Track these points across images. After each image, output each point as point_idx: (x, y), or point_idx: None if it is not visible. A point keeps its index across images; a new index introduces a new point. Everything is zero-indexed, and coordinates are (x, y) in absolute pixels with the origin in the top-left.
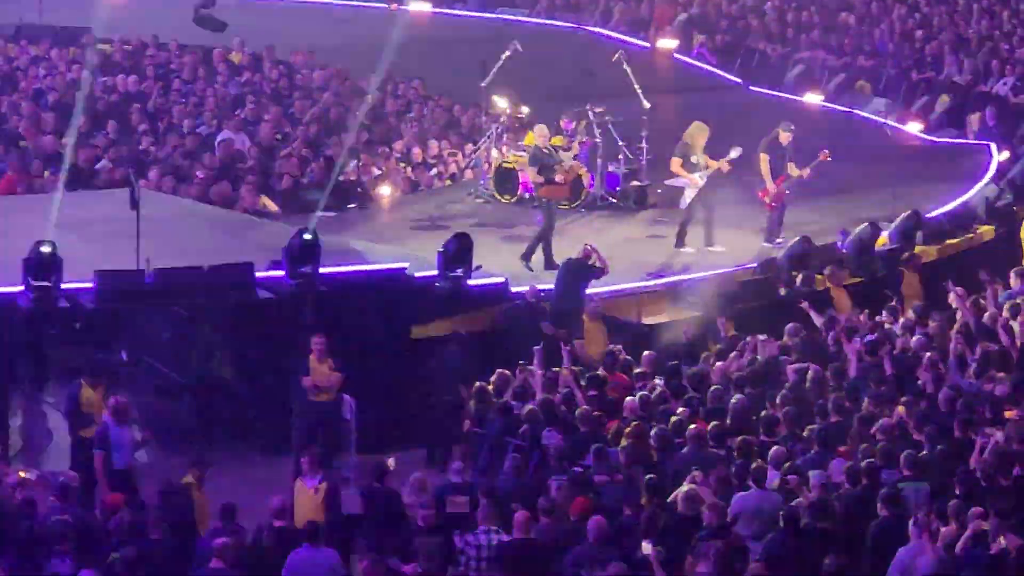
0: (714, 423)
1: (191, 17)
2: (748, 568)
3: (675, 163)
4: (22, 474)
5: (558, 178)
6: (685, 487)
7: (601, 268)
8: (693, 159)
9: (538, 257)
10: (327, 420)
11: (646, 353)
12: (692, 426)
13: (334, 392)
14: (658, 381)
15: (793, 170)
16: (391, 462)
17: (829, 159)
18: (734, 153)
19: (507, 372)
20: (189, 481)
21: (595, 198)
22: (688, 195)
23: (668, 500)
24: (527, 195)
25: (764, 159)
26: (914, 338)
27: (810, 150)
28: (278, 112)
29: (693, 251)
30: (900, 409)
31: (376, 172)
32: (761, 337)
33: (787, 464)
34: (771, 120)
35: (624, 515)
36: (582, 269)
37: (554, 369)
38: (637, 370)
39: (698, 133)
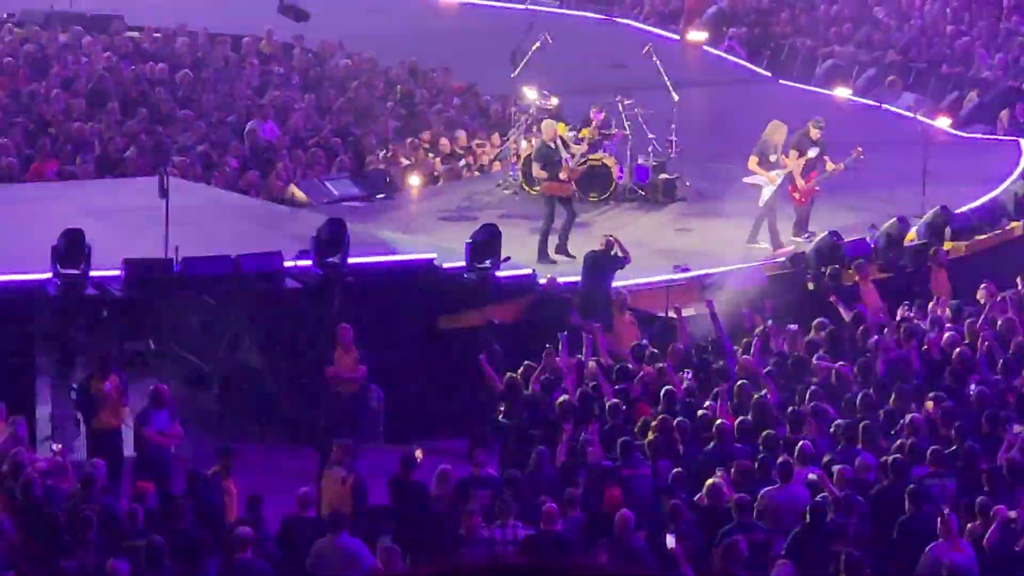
0: (740, 418)
1: (276, 7)
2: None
3: (752, 161)
4: (54, 447)
5: (562, 175)
6: (709, 480)
7: (623, 258)
8: (772, 158)
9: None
10: (350, 411)
11: (672, 346)
12: (719, 420)
13: (357, 383)
14: (685, 374)
15: (829, 164)
16: (418, 453)
17: (863, 157)
18: (812, 152)
19: (534, 364)
20: (217, 470)
21: (624, 190)
22: (766, 193)
23: (696, 497)
24: None
25: (794, 155)
26: (946, 334)
27: (840, 144)
28: (308, 102)
29: (765, 247)
30: (929, 405)
31: (405, 162)
32: (792, 327)
33: (815, 459)
34: (800, 114)
35: (650, 508)
36: (605, 260)
37: (578, 356)
38: (662, 364)
39: (776, 131)
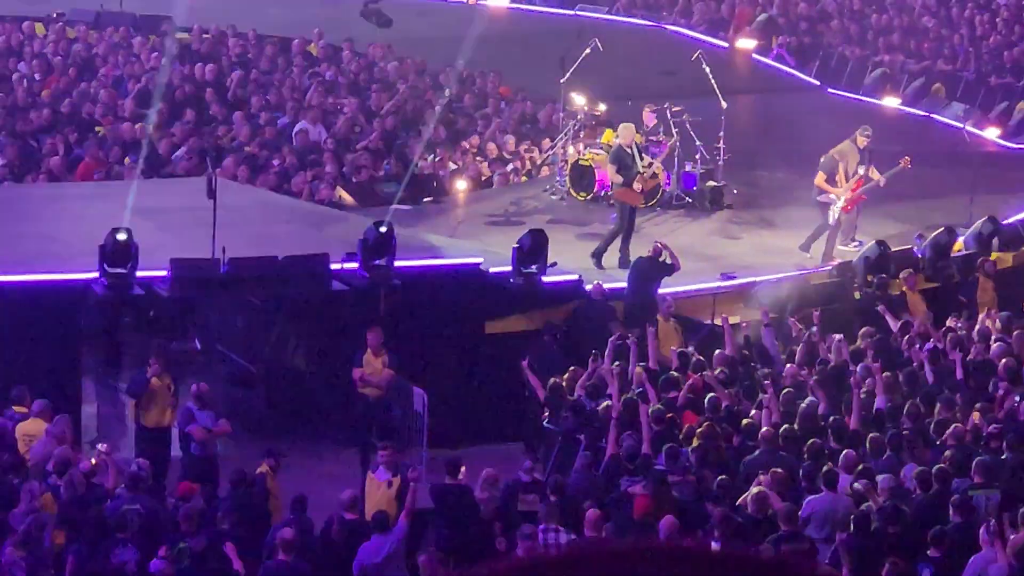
0: (786, 426)
1: (359, 10)
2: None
3: (819, 178)
4: (100, 447)
5: (636, 186)
6: (754, 489)
7: (672, 265)
8: (837, 177)
9: (611, 257)
10: (378, 414)
11: (718, 353)
12: (764, 428)
13: (384, 388)
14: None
15: (874, 173)
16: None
17: (909, 167)
18: (861, 169)
19: (580, 369)
20: (263, 471)
21: (671, 197)
22: (834, 210)
23: (738, 502)
24: (603, 193)
25: (840, 165)
26: (994, 344)
27: (888, 154)
28: (356, 104)
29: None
30: (975, 416)
31: (452, 167)
32: (837, 337)
33: (859, 468)
34: (848, 123)
35: (695, 515)
36: (653, 267)
37: (618, 363)
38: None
39: (850, 152)
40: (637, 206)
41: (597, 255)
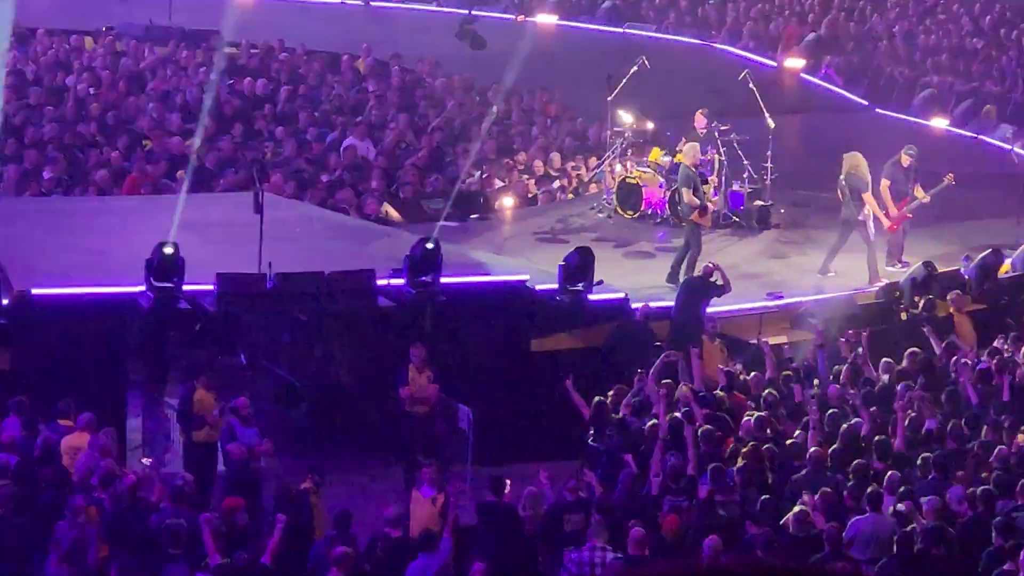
0: (833, 446)
1: (454, 31)
2: None
3: (883, 185)
4: (144, 460)
5: (710, 206)
6: (797, 508)
7: (723, 287)
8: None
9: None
10: (424, 431)
11: (755, 375)
12: (812, 449)
13: (429, 404)
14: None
15: (919, 192)
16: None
17: (953, 183)
18: (922, 195)
19: (625, 386)
20: (307, 487)
21: (718, 216)
22: (870, 227)
23: (781, 522)
24: (650, 211)
25: (885, 185)
26: None
27: (936, 175)
28: (404, 120)
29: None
30: (1020, 438)
31: (499, 183)
32: (885, 359)
33: (903, 489)
34: (896, 143)
35: (739, 535)
36: (703, 287)
37: (665, 381)
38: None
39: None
40: (706, 227)
41: (672, 279)
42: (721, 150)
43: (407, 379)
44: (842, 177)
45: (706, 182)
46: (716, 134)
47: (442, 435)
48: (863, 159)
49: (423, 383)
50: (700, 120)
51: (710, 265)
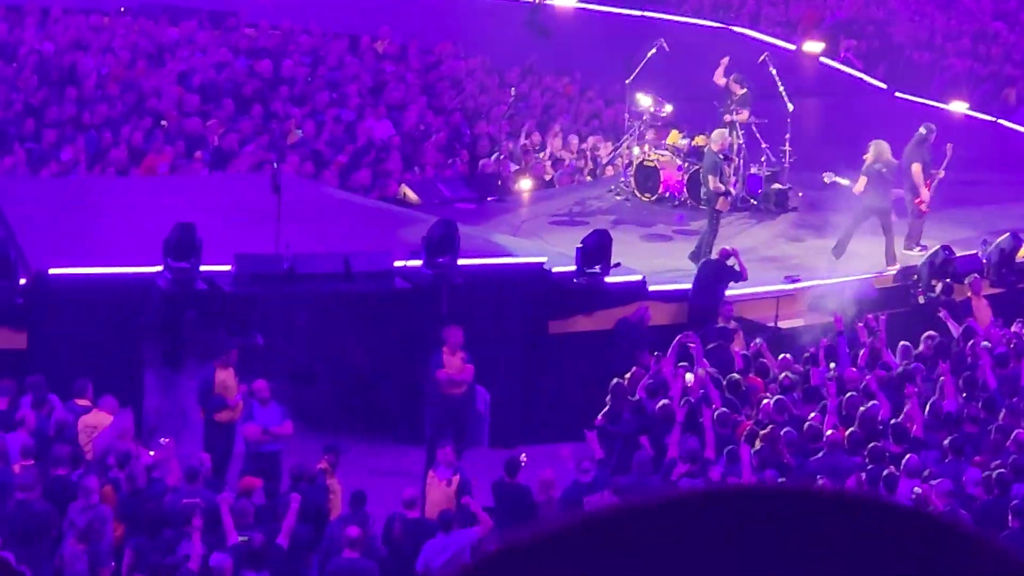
0: (851, 430)
1: (524, 19)
2: None
3: (916, 168)
4: (162, 440)
5: (732, 191)
6: None
7: (739, 272)
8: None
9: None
10: (457, 413)
11: (781, 357)
12: (829, 431)
13: (465, 386)
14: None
15: (940, 172)
16: (522, 457)
17: (950, 153)
18: (940, 172)
19: (641, 370)
20: (323, 467)
21: (736, 199)
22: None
23: None
24: (667, 194)
25: (918, 168)
26: None
27: (956, 158)
28: (422, 102)
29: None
30: None
31: (516, 166)
32: (904, 343)
33: (922, 472)
34: (915, 127)
35: None
36: (721, 271)
37: (682, 364)
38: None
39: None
40: (723, 211)
41: (695, 257)
42: (739, 133)
43: (442, 362)
44: (874, 164)
45: (731, 162)
46: (734, 117)
47: (477, 415)
48: (887, 145)
49: (458, 364)
50: (736, 87)
51: (727, 249)
